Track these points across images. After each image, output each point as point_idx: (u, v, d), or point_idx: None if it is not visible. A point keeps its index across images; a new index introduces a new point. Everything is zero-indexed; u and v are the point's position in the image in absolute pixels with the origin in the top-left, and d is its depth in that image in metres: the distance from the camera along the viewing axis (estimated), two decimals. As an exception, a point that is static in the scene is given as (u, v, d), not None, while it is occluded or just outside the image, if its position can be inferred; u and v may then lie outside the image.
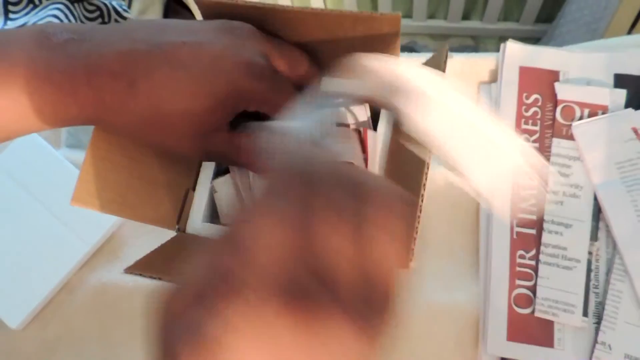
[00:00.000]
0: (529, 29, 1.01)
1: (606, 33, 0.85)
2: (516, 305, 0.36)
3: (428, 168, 0.27)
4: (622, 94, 0.38)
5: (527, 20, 1.00)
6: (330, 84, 0.34)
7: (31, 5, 0.87)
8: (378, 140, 0.33)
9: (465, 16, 1.03)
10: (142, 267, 0.29)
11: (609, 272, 0.35)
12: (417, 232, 0.25)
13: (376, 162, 0.33)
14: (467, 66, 0.42)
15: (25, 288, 0.40)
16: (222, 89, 0.26)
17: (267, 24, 0.31)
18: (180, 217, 0.34)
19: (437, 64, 0.29)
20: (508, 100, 0.39)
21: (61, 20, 0.86)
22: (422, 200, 0.27)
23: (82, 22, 0.90)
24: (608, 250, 0.36)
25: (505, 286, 0.36)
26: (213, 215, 0.36)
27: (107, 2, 0.91)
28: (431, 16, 1.06)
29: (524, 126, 0.39)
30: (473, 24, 1.03)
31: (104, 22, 0.91)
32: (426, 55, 0.39)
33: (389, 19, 0.28)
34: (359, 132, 0.36)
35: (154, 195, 0.33)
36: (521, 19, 1.00)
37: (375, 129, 0.35)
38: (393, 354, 0.32)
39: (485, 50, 1.08)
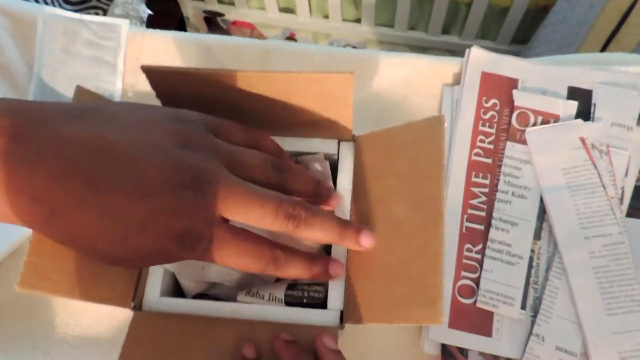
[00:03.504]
0: (504, 48, 1.05)
1: (575, 58, 0.89)
2: (460, 295, 0.37)
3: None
4: (573, 105, 0.40)
5: (503, 40, 1.04)
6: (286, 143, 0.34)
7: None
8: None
9: (445, 31, 1.07)
10: None
11: (548, 269, 0.37)
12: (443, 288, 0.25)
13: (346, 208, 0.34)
14: (432, 68, 0.44)
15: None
16: (146, 248, 0.24)
17: (218, 89, 0.30)
18: (136, 294, 0.32)
19: (434, 129, 0.29)
20: (468, 103, 0.41)
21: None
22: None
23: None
24: (549, 249, 0.38)
25: (450, 276, 0.37)
26: (172, 287, 0.35)
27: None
28: (412, 28, 1.09)
29: (481, 128, 0.41)
30: (452, 39, 1.06)
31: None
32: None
33: (342, 78, 0.28)
34: None
35: (108, 273, 0.30)
36: (498, 39, 1.04)
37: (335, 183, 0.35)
38: (342, 334, 0.33)
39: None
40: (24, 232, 0.40)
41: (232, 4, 1.16)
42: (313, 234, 0.27)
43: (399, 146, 0.32)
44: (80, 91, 0.30)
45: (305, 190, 0.29)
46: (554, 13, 0.89)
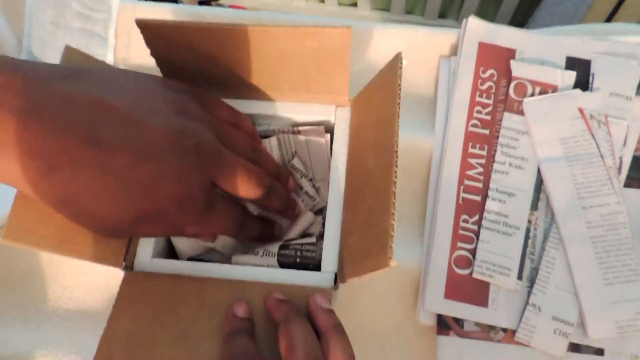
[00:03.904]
0: (501, 32, 1.04)
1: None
2: (456, 265, 0.37)
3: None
4: (571, 75, 0.40)
5: (500, 22, 1.03)
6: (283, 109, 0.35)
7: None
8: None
9: (442, 15, 1.06)
10: None
11: (545, 240, 0.37)
12: (393, 230, 0.25)
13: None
14: (429, 38, 0.43)
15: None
16: (147, 210, 0.25)
17: (213, 44, 0.30)
18: (127, 253, 0.32)
19: (393, 70, 0.29)
20: (465, 73, 0.41)
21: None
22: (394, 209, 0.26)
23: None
24: (546, 219, 0.38)
25: (447, 247, 0.37)
26: (166, 249, 0.35)
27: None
28: (409, 12, 1.08)
29: (478, 99, 0.40)
30: (449, 22, 1.05)
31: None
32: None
33: (339, 33, 0.28)
34: None
35: None
36: (495, 21, 1.03)
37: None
38: (338, 305, 0.33)
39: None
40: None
41: (227, -12, 1.14)
42: (273, 204, 0.31)
43: (372, 97, 0.32)
44: (69, 51, 0.29)
45: (270, 172, 0.32)
46: (552, -6, 0.88)
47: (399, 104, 0.28)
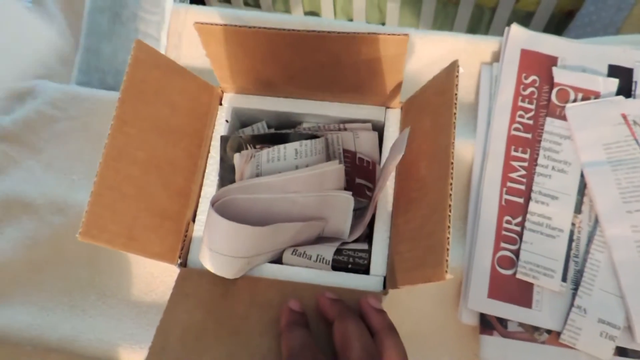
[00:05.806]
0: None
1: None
2: (499, 266, 0.37)
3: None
4: (614, 82, 0.40)
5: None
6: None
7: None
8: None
9: (470, 31, 1.07)
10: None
11: (589, 243, 0.37)
12: (449, 244, 0.25)
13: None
14: (471, 46, 0.45)
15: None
16: None
17: (268, 47, 0.31)
18: (182, 250, 0.33)
19: (450, 77, 0.29)
20: (508, 79, 0.41)
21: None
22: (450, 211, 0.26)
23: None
24: (590, 223, 0.38)
25: (490, 247, 0.37)
26: None
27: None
28: (438, 29, 1.09)
29: (520, 104, 0.41)
30: (476, 42, 1.07)
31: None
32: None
33: (396, 40, 0.28)
34: (367, 162, 0.36)
35: (160, 228, 0.31)
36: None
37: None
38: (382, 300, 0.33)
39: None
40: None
41: (259, 6, 1.18)
42: None
43: (425, 102, 0.32)
44: (139, 44, 0.30)
45: None
46: (580, 16, 0.89)
47: (455, 113, 0.28)
